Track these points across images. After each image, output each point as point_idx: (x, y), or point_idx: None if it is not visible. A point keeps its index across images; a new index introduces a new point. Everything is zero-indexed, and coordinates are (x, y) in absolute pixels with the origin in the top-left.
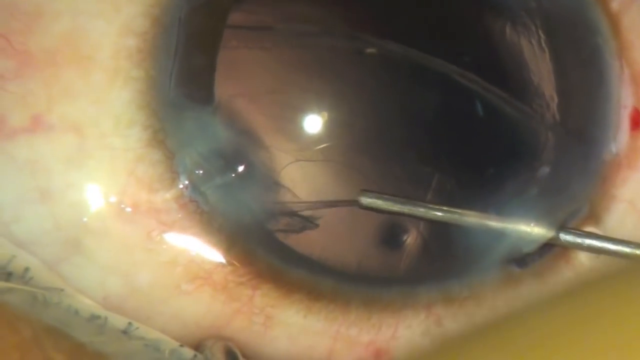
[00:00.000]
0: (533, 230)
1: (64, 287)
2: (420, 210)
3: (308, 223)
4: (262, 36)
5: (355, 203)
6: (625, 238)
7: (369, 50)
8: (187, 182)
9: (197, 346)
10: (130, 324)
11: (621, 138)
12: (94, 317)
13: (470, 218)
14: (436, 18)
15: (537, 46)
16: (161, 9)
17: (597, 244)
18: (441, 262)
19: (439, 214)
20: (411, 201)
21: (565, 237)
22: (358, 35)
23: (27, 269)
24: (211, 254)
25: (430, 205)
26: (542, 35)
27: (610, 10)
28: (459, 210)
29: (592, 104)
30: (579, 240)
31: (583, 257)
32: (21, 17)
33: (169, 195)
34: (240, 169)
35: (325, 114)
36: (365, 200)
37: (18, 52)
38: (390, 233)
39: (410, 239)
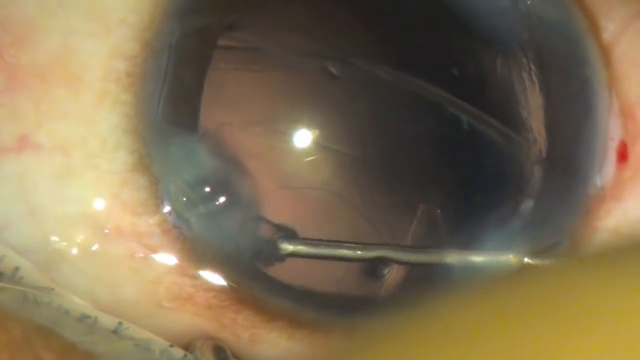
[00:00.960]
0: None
1: (54, 286)
2: (344, 252)
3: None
4: (252, 62)
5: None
6: None
7: (360, 76)
8: (170, 209)
9: (187, 346)
10: (120, 323)
11: (607, 171)
12: (84, 317)
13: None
14: (428, 47)
15: (528, 79)
16: (152, 34)
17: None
18: (421, 292)
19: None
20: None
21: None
22: (350, 60)
23: (17, 269)
24: (193, 278)
25: (350, 245)
26: (533, 68)
27: (602, 41)
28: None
29: (580, 136)
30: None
31: None
32: (14, 31)
33: (152, 220)
34: (224, 197)
35: (312, 141)
36: (285, 247)
37: (9, 65)
38: (372, 265)
39: (392, 270)
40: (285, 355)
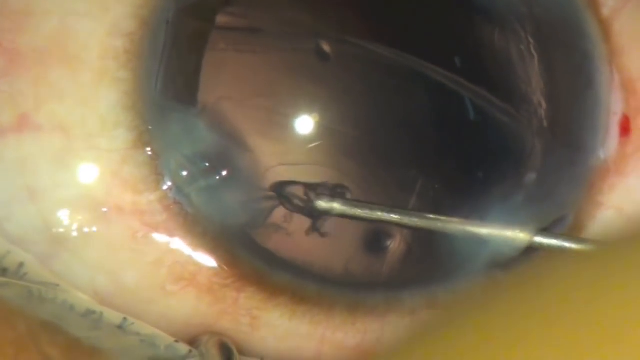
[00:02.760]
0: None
1: (59, 282)
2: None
3: (292, 227)
4: (251, 39)
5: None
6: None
7: (358, 53)
8: (171, 184)
9: (192, 342)
10: (125, 319)
11: (610, 145)
12: (89, 313)
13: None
14: (426, 22)
15: (527, 52)
16: (149, 10)
17: (579, 247)
18: (425, 267)
19: (416, 220)
20: (382, 207)
21: (547, 241)
22: (348, 38)
23: (21, 264)
24: (195, 256)
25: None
26: (531, 41)
27: (601, 15)
28: (431, 216)
29: (581, 110)
30: (562, 244)
31: None
32: (11, 16)
33: (153, 196)
34: (225, 171)
35: (312, 118)
36: (321, 205)
37: (7, 51)
38: (374, 238)
39: (394, 244)
40: (284, 340)
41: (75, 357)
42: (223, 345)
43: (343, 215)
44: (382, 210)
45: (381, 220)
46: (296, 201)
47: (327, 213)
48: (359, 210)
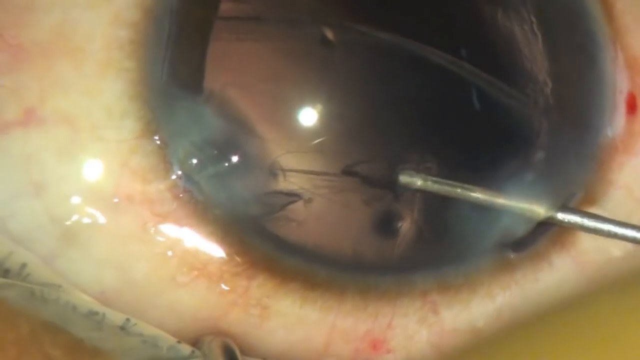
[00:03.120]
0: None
1: (62, 283)
2: (457, 192)
3: (302, 211)
4: (253, 27)
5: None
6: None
7: (361, 40)
8: (180, 172)
9: (195, 342)
10: (128, 320)
11: (617, 122)
12: (92, 313)
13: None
14: (428, 6)
15: (530, 31)
16: (152, 0)
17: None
18: (436, 249)
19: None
20: (447, 182)
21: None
22: (350, 25)
23: (24, 265)
24: (206, 244)
25: (466, 186)
26: (534, 21)
27: None
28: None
29: (587, 88)
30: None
31: (580, 241)
32: (13, 11)
33: (162, 185)
34: (234, 158)
35: (318, 104)
36: (404, 178)
37: (11, 46)
38: (384, 221)
39: (404, 227)
40: (293, 331)
41: (78, 358)
42: (226, 347)
43: (423, 190)
44: (462, 188)
45: (461, 198)
46: (378, 176)
47: (408, 188)
48: (439, 186)
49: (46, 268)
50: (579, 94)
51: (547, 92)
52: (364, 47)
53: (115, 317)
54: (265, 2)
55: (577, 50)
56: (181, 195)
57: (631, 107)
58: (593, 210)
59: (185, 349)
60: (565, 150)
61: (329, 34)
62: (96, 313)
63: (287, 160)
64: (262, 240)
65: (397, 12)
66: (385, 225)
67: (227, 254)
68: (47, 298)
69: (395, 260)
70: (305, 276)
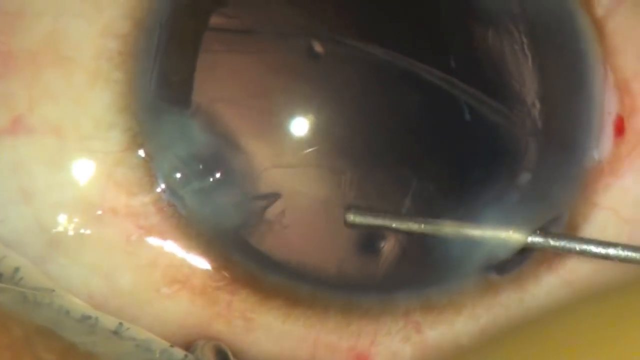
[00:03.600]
0: (510, 236)
1: (55, 287)
2: (405, 225)
3: (284, 229)
4: (244, 40)
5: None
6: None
7: (351, 54)
8: (165, 186)
9: (188, 346)
10: (121, 324)
11: (604, 145)
12: (85, 318)
13: (449, 228)
14: (420, 22)
15: (520, 51)
16: (143, 12)
17: (576, 246)
18: (419, 269)
19: (422, 226)
20: (395, 216)
21: (541, 240)
22: (342, 39)
23: (17, 269)
24: (189, 258)
25: (414, 219)
26: (525, 41)
27: (595, 15)
28: (439, 221)
29: (575, 110)
30: (555, 243)
31: (567, 259)
32: (3, 17)
33: (147, 199)
34: (218, 173)
35: (306, 119)
36: (350, 217)
37: (0, 53)
38: (368, 240)
39: (388, 246)
40: (278, 343)
41: None
42: (219, 350)
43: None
44: (396, 220)
45: (426, 233)
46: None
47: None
48: (397, 223)
49: (39, 272)
50: (567, 115)
51: (535, 113)
52: (354, 61)
53: (109, 321)
54: (256, 15)
55: (567, 71)
56: (165, 209)
57: (619, 130)
58: (576, 232)
59: (178, 352)
60: (551, 172)
61: (319, 48)
62: (89, 317)
63: (274, 175)
64: (245, 256)
65: (388, 27)
66: (369, 244)
67: (210, 268)
68: (40, 302)
69: (378, 279)
70: (288, 294)
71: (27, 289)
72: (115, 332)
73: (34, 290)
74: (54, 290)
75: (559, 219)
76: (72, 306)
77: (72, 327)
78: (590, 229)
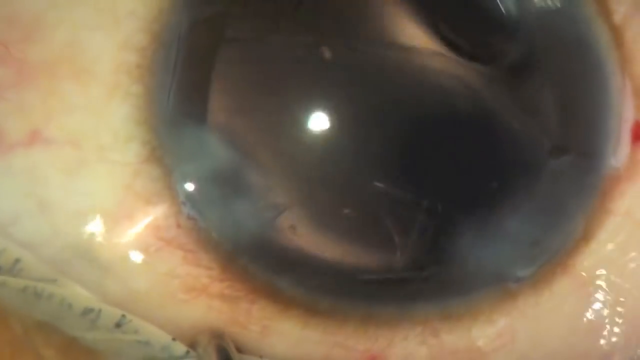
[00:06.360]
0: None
1: (57, 277)
2: None
3: (303, 240)
4: (260, 50)
5: None
6: (618, 249)
7: (368, 60)
8: (184, 199)
9: (191, 343)
10: (124, 316)
11: (622, 152)
12: (87, 311)
13: None
14: (434, 28)
15: (538, 60)
16: (161, 25)
17: None
18: (438, 280)
19: None
20: None
21: None
22: (356, 46)
23: (17, 261)
24: (208, 269)
25: None
26: (542, 49)
27: (613, 22)
28: None
29: (593, 117)
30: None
31: (579, 264)
32: (21, 27)
33: (167, 211)
34: (237, 185)
35: (323, 130)
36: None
37: (16, 61)
38: (387, 252)
39: (407, 258)
40: (295, 346)
41: (71, 358)
42: (221, 349)
43: None
44: None
45: None
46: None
47: None
48: None
49: (41, 264)
50: (585, 122)
51: (554, 123)
52: (371, 67)
53: (111, 313)
54: (267, 25)
55: (585, 79)
56: (185, 222)
57: (636, 136)
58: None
59: (180, 349)
60: (569, 181)
61: (335, 54)
62: (92, 310)
63: (292, 187)
64: (264, 269)
65: (406, 33)
66: (388, 256)
67: (229, 280)
68: (41, 295)
69: (397, 290)
70: (307, 305)
71: (28, 280)
72: (118, 325)
73: (35, 281)
74: (56, 280)
75: (576, 227)
76: (75, 299)
77: (73, 322)
78: (605, 235)
